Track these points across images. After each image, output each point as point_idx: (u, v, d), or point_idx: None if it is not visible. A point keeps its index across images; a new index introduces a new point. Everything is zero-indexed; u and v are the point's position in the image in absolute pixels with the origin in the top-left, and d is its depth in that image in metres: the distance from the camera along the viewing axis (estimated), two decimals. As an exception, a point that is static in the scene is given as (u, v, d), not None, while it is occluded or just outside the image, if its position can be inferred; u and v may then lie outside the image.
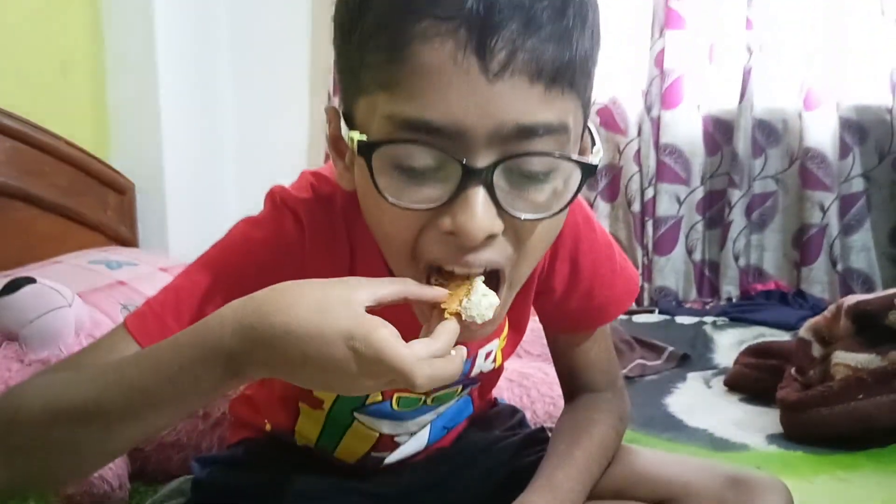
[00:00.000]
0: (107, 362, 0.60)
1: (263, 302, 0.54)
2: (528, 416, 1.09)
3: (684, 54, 2.30)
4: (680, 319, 2.09)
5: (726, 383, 1.57)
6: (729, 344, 1.84)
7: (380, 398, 0.77)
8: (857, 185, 2.22)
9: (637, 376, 1.67)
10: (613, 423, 0.81)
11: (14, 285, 1.29)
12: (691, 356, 1.79)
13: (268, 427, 0.87)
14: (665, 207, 2.37)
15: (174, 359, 0.54)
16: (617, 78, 2.39)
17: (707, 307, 2.26)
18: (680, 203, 2.38)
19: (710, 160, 2.37)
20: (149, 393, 0.55)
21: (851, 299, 1.36)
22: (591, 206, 2.46)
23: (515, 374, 1.35)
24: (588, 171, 0.55)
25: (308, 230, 0.67)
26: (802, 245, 2.26)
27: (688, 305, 2.31)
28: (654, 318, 2.14)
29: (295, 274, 0.60)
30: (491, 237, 0.54)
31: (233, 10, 2.55)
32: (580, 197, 0.74)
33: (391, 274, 0.64)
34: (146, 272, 1.85)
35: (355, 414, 0.79)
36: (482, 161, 0.52)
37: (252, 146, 2.59)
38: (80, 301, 1.36)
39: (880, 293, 1.36)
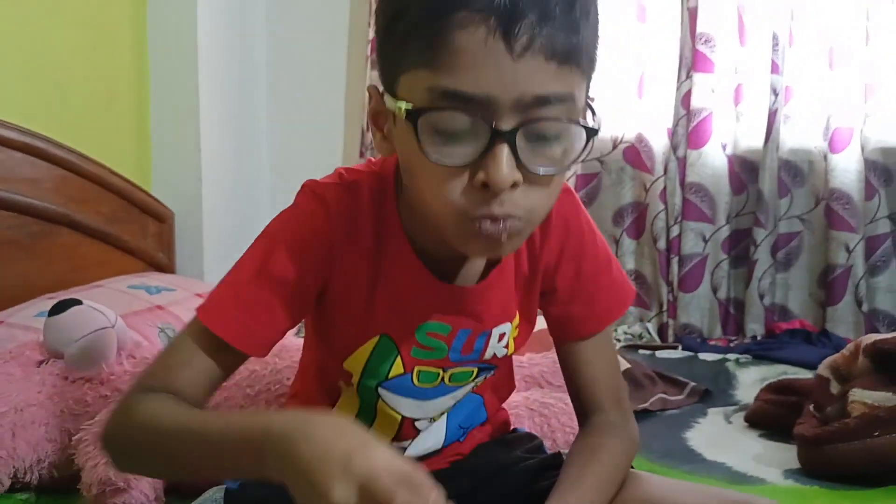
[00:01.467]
0: (192, 413, 0.71)
1: (302, 425, 0.60)
2: (548, 444, 1.12)
3: (711, 95, 2.34)
4: (703, 356, 2.11)
5: (746, 419, 1.59)
6: (751, 381, 1.86)
7: (402, 370, 0.82)
8: (883, 226, 2.24)
9: (658, 410, 1.69)
10: (623, 448, 0.85)
11: (61, 306, 1.37)
12: (713, 392, 1.81)
13: None
14: (690, 245, 2.40)
15: (224, 442, 0.66)
16: (644, 117, 2.43)
17: (731, 345, 2.27)
18: (705, 241, 2.41)
19: (736, 199, 2.40)
20: (205, 455, 0.68)
21: (869, 338, 1.38)
22: (617, 242, 2.50)
23: (536, 404, 1.38)
24: (591, 133, 0.68)
25: (333, 212, 0.77)
26: (828, 285, 2.27)
27: (712, 343, 2.32)
28: (678, 354, 2.16)
29: (323, 253, 0.77)
30: (514, 186, 0.66)
31: (271, 48, 2.66)
32: (586, 211, 0.85)
33: (415, 252, 0.78)
34: (183, 297, 1.92)
35: (379, 390, 0.84)
36: (506, 125, 0.64)
37: (286, 179, 2.67)
38: (123, 322, 1.42)
39: (898, 332, 1.38)
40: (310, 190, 0.79)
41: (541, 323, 0.90)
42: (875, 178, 2.23)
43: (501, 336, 0.85)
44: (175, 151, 2.41)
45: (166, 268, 2.36)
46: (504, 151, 0.64)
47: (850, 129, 2.22)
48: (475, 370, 0.86)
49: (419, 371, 0.83)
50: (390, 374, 0.83)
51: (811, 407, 1.40)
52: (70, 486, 1.19)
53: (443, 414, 0.88)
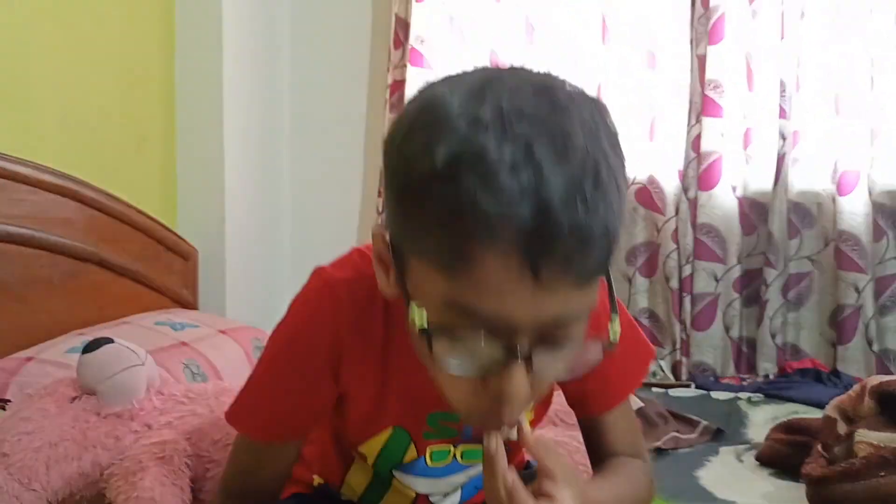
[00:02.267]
0: None
1: None
2: (562, 482, 1.15)
3: (720, 139, 2.40)
4: (716, 395, 2.15)
5: (757, 458, 1.62)
6: (763, 420, 1.88)
7: (415, 455, 0.84)
8: (892, 267, 2.28)
9: (671, 449, 1.72)
10: (646, 470, 0.87)
11: (95, 345, 1.42)
12: (725, 431, 1.84)
13: (316, 482, 0.94)
14: (702, 284, 2.44)
15: None
16: (655, 160, 2.49)
17: (744, 383, 2.30)
18: (717, 280, 2.45)
19: (747, 240, 2.44)
20: None
21: (874, 380, 1.42)
22: (630, 281, 2.54)
23: (568, 444, 1.41)
24: (607, 346, 0.66)
25: (344, 307, 0.75)
26: (838, 325, 2.31)
27: (725, 381, 2.35)
28: (691, 392, 2.20)
29: (333, 345, 0.75)
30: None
31: (293, 94, 2.75)
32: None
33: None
34: (207, 333, 1.98)
35: (394, 472, 0.85)
36: (524, 344, 0.61)
37: (306, 221, 2.75)
38: (152, 359, 1.48)
39: (903, 374, 1.42)
40: (323, 283, 0.77)
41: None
42: (883, 220, 2.27)
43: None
44: (200, 193, 2.48)
45: (190, 304, 2.42)
46: (520, 370, 0.61)
47: (857, 173, 2.28)
48: None
49: (431, 451, 0.84)
50: (404, 460, 0.84)
51: (819, 447, 1.43)
52: (101, 518, 1.24)
53: (456, 489, 0.89)
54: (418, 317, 0.61)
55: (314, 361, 0.77)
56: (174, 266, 2.41)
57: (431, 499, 0.89)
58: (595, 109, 0.63)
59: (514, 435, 0.85)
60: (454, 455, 0.86)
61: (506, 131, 0.57)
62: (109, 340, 1.44)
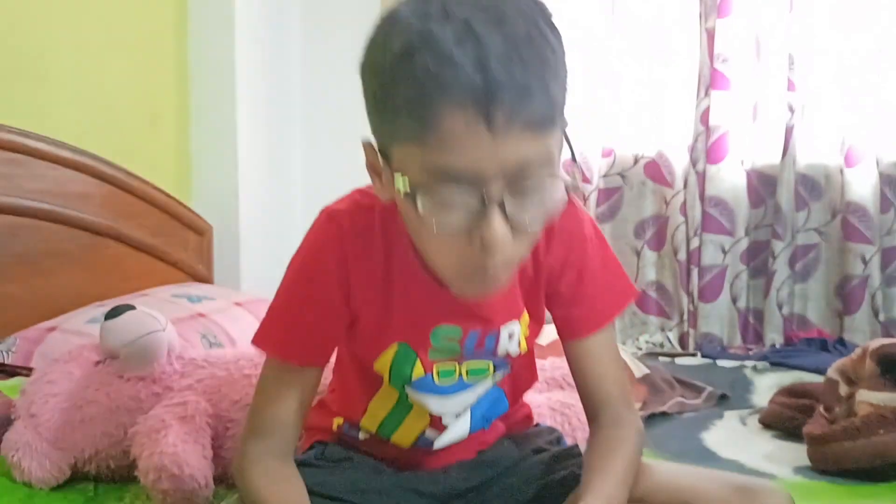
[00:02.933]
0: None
1: None
2: (569, 441, 1.19)
3: (728, 113, 2.42)
4: (722, 363, 2.19)
5: (761, 421, 1.65)
6: (767, 386, 1.92)
7: (423, 372, 0.91)
8: (899, 238, 2.30)
9: (676, 413, 1.76)
10: (638, 439, 0.93)
11: (117, 311, 1.46)
12: (730, 397, 1.87)
13: (335, 426, 1.00)
14: (710, 257, 2.47)
15: None
16: (664, 134, 2.52)
17: (750, 353, 2.33)
18: (724, 253, 2.48)
19: (754, 212, 2.47)
20: None
21: (876, 342, 1.45)
22: (639, 254, 2.57)
23: (558, 404, 1.44)
24: (567, 186, 0.76)
25: (347, 233, 0.87)
26: (845, 295, 2.33)
27: (732, 351, 2.39)
28: (697, 361, 2.24)
29: (340, 267, 0.86)
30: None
31: (305, 71, 2.77)
32: (590, 218, 0.93)
33: (423, 268, 0.85)
34: (223, 306, 2.02)
35: (407, 389, 0.92)
36: (495, 191, 0.71)
37: (318, 195, 2.75)
38: (172, 326, 1.52)
39: (904, 337, 1.45)
40: (326, 216, 0.89)
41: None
42: (890, 192, 2.29)
43: (511, 335, 0.92)
44: (214, 169, 2.52)
45: (205, 278, 2.47)
46: (496, 215, 0.71)
47: (864, 145, 2.29)
48: (490, 365, 0.93)
49: (438, 370, 0.91)
50: (413, 376, 0.91)
51: (821, 408, 1.47)
52: (125, 476, 1.29)
53: (466, 409, 0.96)
54: (402, 183, 0.72)
55: (326, 283, 0.87)
56: (189, 241, 2.45)
57: (444, 421, 0.95)
58: (534, 3, 0.74)
59: (513, 348, 0.92)
60: (459, 373, 0.92)
61: (448, 16, 0.69)
62: (131, 307, 1.48)
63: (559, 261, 0.91)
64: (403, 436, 0.97)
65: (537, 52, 0.71)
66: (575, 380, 0.97)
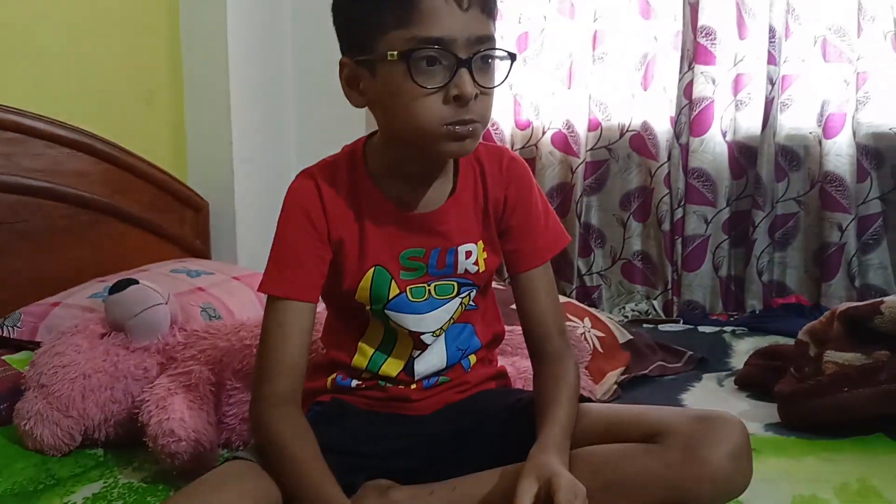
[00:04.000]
0: (299, 452, 0.96)
1: None
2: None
3: (711, 85, 2.48)
4: (703, 329, 2.26)
5: (736, 382, 1.73)
6: (745, 350, 2.00)
7: (398, 291, 1.07)
8: (875, 206, 2.36)
9: (657, 376, 1.84)
10: (576, 371, 1.08)
11: (121, 285, 1.53)
12: (709, 360, 1.95)
13: (329, 384, 1.12)
14: (693, 227, 2.54)
15: (301, 491, 0.93)
16: (648, 107, 2.57)
17: (731, 319, 2.42)
18: (707, 223, 2.54)
19: (736, 183, 2.53)
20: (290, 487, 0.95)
21: (843, 306, 1.52)
22: (625, 225, 2.65)
23: (524, 370, 1.49)
24: (512, 57, 0.98)
25: (320, 181, 1.06)
26: (822, 262, 2.41)
27: (714, 317, 2.46)
28: (679, 327, 2.31)
29: (318, 209, 1.04)
30: (474, 98, 0.94)
31: (297, 45, 2.79)
32: (531, 174, 1.11)
33: (386, 198, 1.05)
34: (221, 280, 2.08)
35: (386, 311, 1.07)
36: (465, 55, 0.93)
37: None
38: (175, 299, 1.59)
39: (869, 301, 1.52)
40: (299, 175, 1.08)
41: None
42: (867, 162, 2.35)
43: (469, 254, 1.08)
44: (209, 145, 2.57)
45: (203, 254, 2.53)
46: (466, 73, 0.93)
47: (842, 115, 2.35)
48: (455, 284, 1.09)
49: (410, 289, 1.07)
50: (390, 296, 1.07)
51: (792, 369, 1.55)
52: (133, 441, 1.36)
53: (442, 329, 1.10)
54: (396, 54, 0.92)
55: (307, 224, 1.04)
56: (186, 217, 2.51)
57: (423, 339, 1.09)
58: None
59: (471, 267, 1.08)
60: (429, 292, 1.08)
61: None
62: (135, 281, 1.55)
63: (508, 197, 1.09)
64: (391, 365, 1.10)
65: None
66: (519, 314, 1.12)
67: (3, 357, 1.64)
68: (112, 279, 1.91)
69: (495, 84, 0.97)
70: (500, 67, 0.99)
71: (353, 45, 0.99)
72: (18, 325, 1.80)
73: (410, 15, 0.91)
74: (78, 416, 1.40)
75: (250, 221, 2.62)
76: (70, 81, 2.15)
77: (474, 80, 0.93)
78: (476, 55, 0.93)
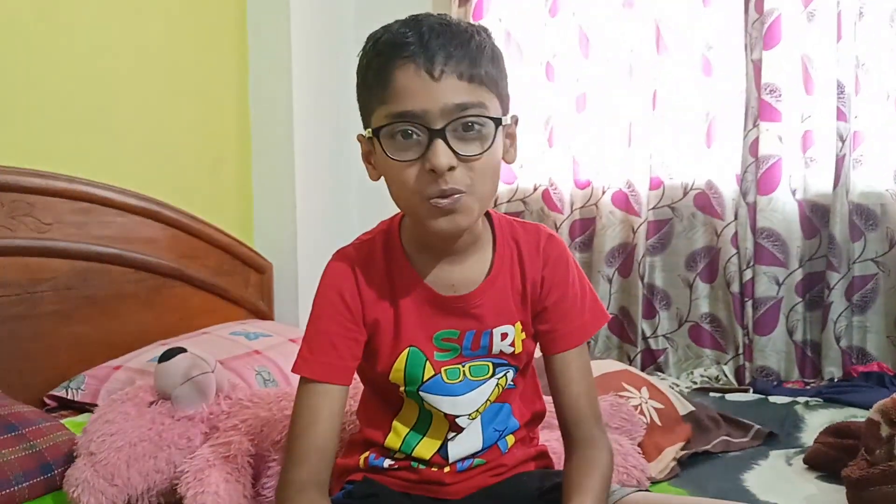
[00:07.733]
0: None
1: None
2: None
3: (778, 143, 2.39)
4: (774, 399, 2.12)
5: (805, 461, 1.62)
6: (819, 424, 1.86)
7: (433, 373, 1.05)
8: (961, 267, 2.22)
9: (721, 452, 1.73)
10: (610, 459, 1.04)
11: (169, 354, 1.56)
12: (778, 435, 1.83)
13: (361, 462, 1.10)
14: (764, 289, 2.43)
15: None
16: (713, 165, 2.50)
17: (808, 387, 2.28)
18: (779, 284, 2.43)
19: (808, 243, 2.42)
20: None
21: (917, 382, 1.41)
22: (691, 286, 2.56)
23: None
24: (497, 122, 0.95)
25: (355, 262, 1.06)
26: (906, 327, 2.26)
27: (789, 385, 2.33)
28: (748, 397, 2.18)
29: (353, 290, 1.04)
30: (451, 169, 0.92)
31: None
32: (569, 253, 1.08)
33: (421, 279, 1.03)
34: (278, 342, 2.11)
35: (421, 393, 1.05)
36: (438, 126, 0.92)
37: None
38: (221, 367, 1.61)
39: (945, 377, 1.40)
40: (335, 255, 1.09)
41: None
42: (950, 220, 2.22)
43: (504, 335, 1.05)
44: (274, 210, 2.65)
45: (266, 315, 2.58)
46: (439, 144, 0.91)
47: (920, 172, 2.23)
48: (490, 365, 1.06)
49: (445, 370, 1.05)
50: (424, 378, 1.05)
51: (863, 450, 1.43)
52: (175, 510, 1.37)
53: (478, 412, 1.06)
54: (370, 131, 0.96)
55: (341, 305, 1.04)
56: (251, 279, 2.57)
57: (458, 422, 1.06)
58: (483, 28, 0.99)
59: (506, 348, 1.05)
60: (464, 373, 1.05)
61: (407, 21, 0.96)
62: (182, 350, 1.58)
63: (545, 277, 1.06)
64: (425, 447, 1.07)
65: (469, 35, 0.94)
66: (553, 395, 1.08)
67: (62, 420, 1.68)
68: (173, 342, 1.96)
69: (482, 151, 0.94)
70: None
71: (362, 119, 1.01)
72: (82, 387, 1.86)
73: (387, 91, 0.93)
74: (122, 484, 1.41)
75: (312, 282, 2.63)
76: (142, 152, 2.25)
77: (452, 150, 0.92)
78: (450, 124, 0.92)
